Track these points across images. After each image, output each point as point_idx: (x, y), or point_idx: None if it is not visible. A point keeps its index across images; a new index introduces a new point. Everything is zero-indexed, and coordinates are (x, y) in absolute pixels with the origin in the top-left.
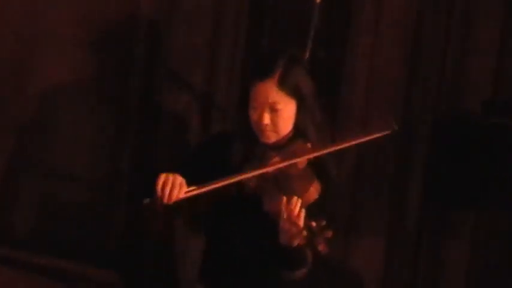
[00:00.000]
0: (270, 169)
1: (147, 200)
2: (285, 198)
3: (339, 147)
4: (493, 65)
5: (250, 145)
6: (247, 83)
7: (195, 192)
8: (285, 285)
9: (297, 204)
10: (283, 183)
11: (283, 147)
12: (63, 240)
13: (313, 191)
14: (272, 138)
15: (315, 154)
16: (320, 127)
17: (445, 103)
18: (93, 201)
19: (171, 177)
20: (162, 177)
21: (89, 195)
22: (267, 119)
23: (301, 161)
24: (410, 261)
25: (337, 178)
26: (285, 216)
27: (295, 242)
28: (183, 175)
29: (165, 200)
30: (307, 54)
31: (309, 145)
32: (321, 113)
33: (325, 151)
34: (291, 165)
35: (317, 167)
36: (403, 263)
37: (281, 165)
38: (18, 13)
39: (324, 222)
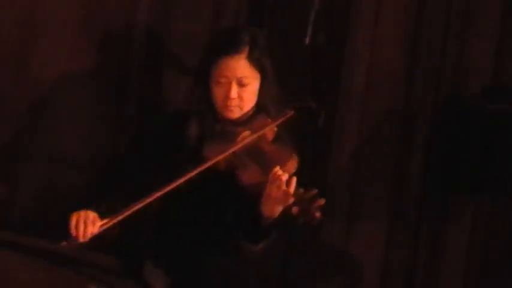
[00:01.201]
0: (239, 146)
1: (64, 243)
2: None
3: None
4: (493, 51)
5: (208, 122)
6: (207, 59)
7: (110, 224)
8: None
9: (284, 172)
10: (259, 157)
11: (246, 122)
12: (62, 225)
13: (293, 163)
14: (236, 113)
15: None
16: (278, 104)
17: (446, 88)
18: (93, 186)
19: (82, 214)
20: (74, 216)
21: (89, 182)
22: (235, 93)
23: (268, 134)
24: (410, 248)
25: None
26: (274, 184)
27: (278, 211)
28: (138, 159)
29: (81, 239)
30: (307, 41)
31: (270, 120)
32: (279, 89)
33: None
34: (261, 140)
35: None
36: (403, 249)
37: (250, 139)
38: (17, 0)
39: (315, 191)
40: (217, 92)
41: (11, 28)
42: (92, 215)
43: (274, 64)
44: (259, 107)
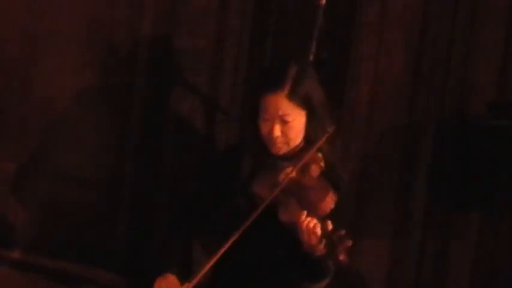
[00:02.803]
0: (284, 183)
1: None
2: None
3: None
4: (497, 66)
5: (260, 156)
6: (257, 94)
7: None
8: None
9: (312, 216)
10: (298, 194)
11: (294, 157)
12: (68, 242)
13: (330, 201)
14: (283, 149)
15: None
16: (330, 137)
17: (449, 104)
18: (98, 203)
19: (163, 282)
20: (156, 285)
21: (94, 197)
22: (277, 131)
23: (314, 170)
24: (415, 264)
25: (347, 184)
26: (302, 228)
27: (317, 252)
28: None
29: None
30: (311, 57)
31: (320, 155)
32: (331, 122)
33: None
34: (305, 175)
35: (329, 176)
36: (407, 266)
37: (291, 175)
38: (21, 16)
39: (343, 232)
40: (263, 129)
41: (15, 44)
42: (171, 281)
43: (322, 98)
44: (309, 141)
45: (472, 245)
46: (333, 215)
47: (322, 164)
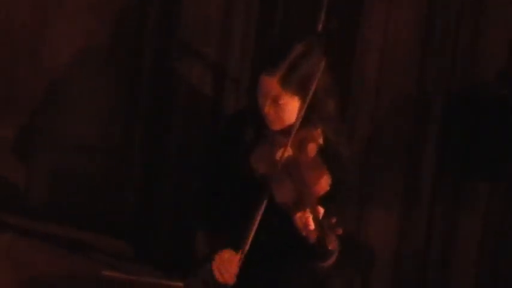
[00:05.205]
0: (281, 163)
1: None
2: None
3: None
4: (509, 34)
5: (260, 127)
6: (258, 70)
7: (244, 253)
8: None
9: (308, 213)
10: (293, 174)
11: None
12: (77, 210)
13: (324, 184)
14: (276, 126)
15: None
16: (330, 118)
17: (459, 73)
18: (107, 171)
19: (219, 260)
20: (215, 264)
21: (103, 165)
22: (268, 108)
23: (312, 149)
24: (423, 231)
25: (350, 160)
26: (297, 223)
27: (310, 239)
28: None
29: (231, 283)
30: (320, 26)
31: (318, 131)
32: (333, 105)
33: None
34: (301, 152)
35: (328, 152)
36: (416, 235)
37: (289, 151)
38: None
39: (334, 220)
40: (259, 103)
41: (24, 12)
42: (227, 254)
43: (324, 81)
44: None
45: (480, 215)
46: (331, 196)
47: (320, 140)
